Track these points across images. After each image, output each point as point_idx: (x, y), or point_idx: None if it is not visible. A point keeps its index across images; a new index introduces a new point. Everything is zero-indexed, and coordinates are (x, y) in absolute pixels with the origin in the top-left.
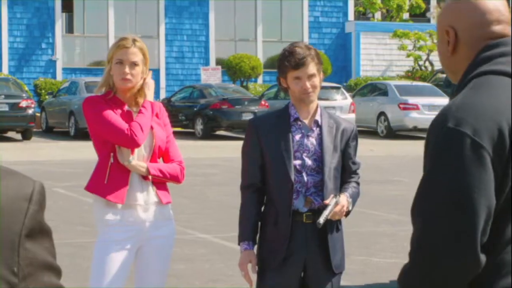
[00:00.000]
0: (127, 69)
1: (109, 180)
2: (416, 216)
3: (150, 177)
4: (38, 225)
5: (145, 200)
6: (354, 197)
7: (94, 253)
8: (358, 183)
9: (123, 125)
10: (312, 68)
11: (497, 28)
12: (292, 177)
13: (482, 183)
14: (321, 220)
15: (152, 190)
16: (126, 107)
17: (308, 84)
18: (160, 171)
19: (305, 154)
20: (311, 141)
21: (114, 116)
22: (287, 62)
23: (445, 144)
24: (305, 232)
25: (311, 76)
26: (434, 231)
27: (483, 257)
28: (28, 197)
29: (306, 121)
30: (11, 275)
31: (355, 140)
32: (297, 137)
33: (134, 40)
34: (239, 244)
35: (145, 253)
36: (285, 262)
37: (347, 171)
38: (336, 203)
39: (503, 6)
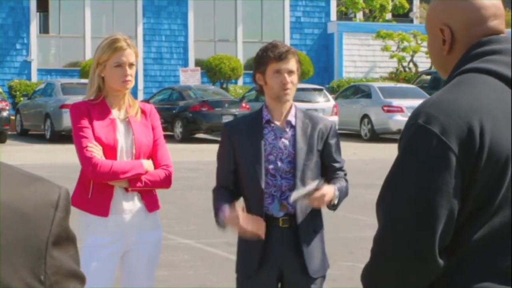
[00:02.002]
0: (128, 71)
1: (93, 193)
2: (379, 212)
3: (130, 189)
4: (64, 232)
5: (130, 209)
6: (342, 192)
7: None
8: (346, 180)
9: (89, 154)
10: (293, 64)
11: (493, 23)
12: (262, 182)
13: (445, 185)
14: (292, 196)
15: (137, 198)
16: (111, 115)
17: (288, 79)
18: (142, 181)
19: (278, 157)
20: (284, 143)
21: (88, 137)
22: (270, 52)
23: (413, 141)
24: (281, 237)
25: (291, 72)
26: (394, 231)
27: (441, 261)
28: (54, 203)
29: (279, 123)
30: (38, 284)
31: (335, 137)
32: (270, 139)
33: (126, 40)
34: (217, 219)
35: (132, 258)
36: (260, 268)
37: (329, 170)
38: (317, 187)
39: (498, 0)
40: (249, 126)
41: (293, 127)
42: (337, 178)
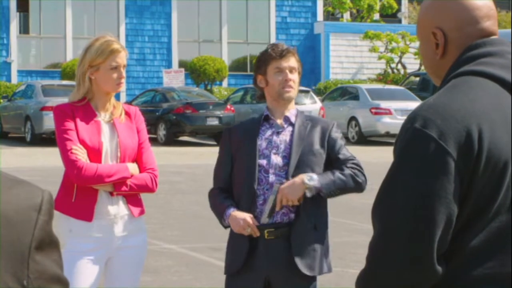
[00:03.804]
0: (124, 73)
1: (76, 197)
2: (375, 218)
3: (115, 193)
4: (47, 236)
5: (115, 213)
6: (329, 178)
7: None
8: (352, 168)
9: (73, 157)
10: (293, 62)
11: (487, 24)
12: (255, 180)
13: (443, 191)
14: (264, 218)
15: (122, 203)
16: (96, 117)
17: (289, 76)
18: (127, 185)
19: (273, 151)
20: (280, 138)
21: (72, 140)
22: (270, 51)
23: (410, 146)
24: (266, 249)
25: (292, 69)
26: (390, 237)
27: (439, 268)
28: (37, 207)
29: (279, 120)
30: None
31: (337, 133)
32: (267, 135)
33: (118, 42)
34: (222, 222)
35: (115, 263)
36: (245, 270)
37: (336, 163)
38: (275, 192)
39: (490, 1)
40: (248, 126)
41: (291, 124)
42: (335, 170)
